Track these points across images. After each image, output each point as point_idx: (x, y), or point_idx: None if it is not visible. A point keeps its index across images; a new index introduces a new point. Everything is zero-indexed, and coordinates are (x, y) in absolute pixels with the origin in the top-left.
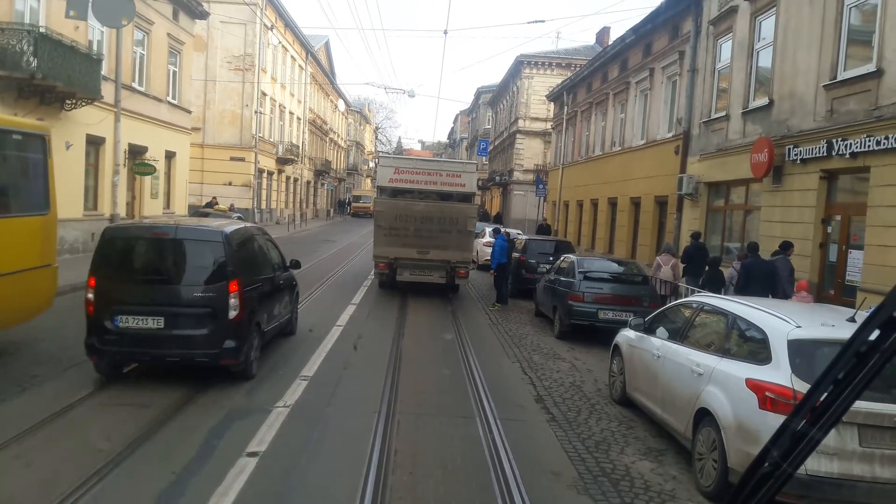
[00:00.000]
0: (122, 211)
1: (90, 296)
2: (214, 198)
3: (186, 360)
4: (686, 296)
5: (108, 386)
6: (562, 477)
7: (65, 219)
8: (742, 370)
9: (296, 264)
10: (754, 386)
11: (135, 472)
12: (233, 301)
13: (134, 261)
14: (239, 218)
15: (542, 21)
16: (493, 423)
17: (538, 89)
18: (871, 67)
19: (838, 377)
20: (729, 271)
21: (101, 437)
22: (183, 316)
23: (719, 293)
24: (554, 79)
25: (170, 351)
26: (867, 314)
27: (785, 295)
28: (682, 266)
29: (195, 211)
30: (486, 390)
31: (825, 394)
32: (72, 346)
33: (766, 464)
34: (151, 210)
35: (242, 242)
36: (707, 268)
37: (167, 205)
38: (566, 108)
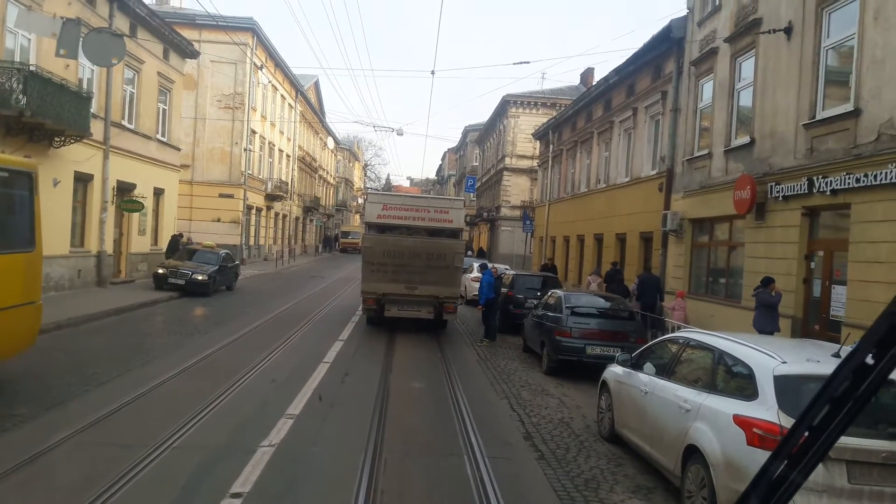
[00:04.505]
0: (108, 248)
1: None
2: (181, 233)
3: None
4: None
5: (90, 426)
6: None
7: (51, 255)
8: (729, 406)
9: None
10: (742, 422)
11: None
12: None
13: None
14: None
15: (528, 62)
16: (481, 461)
17: (524, 128)
18: (849, 107)
19: (813, 424)
20: (632, 286)
21: (81, 478)
22: None
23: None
24: (539, 118)
25: None
26: (851, 349)
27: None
28: (605, 285)
29: (185, 247)
30: (474, 427)
31: (804, 436)
32: (54, 384)
33: None
34: (139, 247)
35: None
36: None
37: (154, 241)
38: (552, 146)
